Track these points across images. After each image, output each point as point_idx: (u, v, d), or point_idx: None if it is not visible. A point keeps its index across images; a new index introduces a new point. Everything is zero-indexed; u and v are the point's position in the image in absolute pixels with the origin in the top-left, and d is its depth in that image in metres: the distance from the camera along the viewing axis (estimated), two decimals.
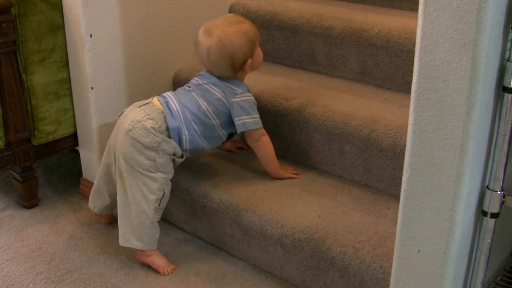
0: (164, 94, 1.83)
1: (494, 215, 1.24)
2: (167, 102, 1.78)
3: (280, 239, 1.63)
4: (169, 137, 1.74)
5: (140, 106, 1.77)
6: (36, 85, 1.97)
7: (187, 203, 1.86)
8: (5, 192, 2.21)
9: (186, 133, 1.75)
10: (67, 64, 2.03)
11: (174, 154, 1.75)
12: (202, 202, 1.80)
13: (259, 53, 1.84)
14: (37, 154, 2.05)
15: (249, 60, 1.79)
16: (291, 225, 1.62)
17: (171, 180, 1.77)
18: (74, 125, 2.11)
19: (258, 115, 1.81)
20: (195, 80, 1.86)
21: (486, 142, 1.20)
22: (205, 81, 1.83)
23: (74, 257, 1.83)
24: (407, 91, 1.87)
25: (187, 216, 1.89)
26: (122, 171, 1.73)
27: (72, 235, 1.94)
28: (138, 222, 1.73)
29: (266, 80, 2.09)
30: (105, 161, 1.84)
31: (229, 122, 1.81)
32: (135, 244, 1.74)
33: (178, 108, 1.76)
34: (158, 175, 1.72)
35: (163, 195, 1.74)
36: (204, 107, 1.78)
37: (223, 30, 1.76)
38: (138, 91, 2.12)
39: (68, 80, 2.05)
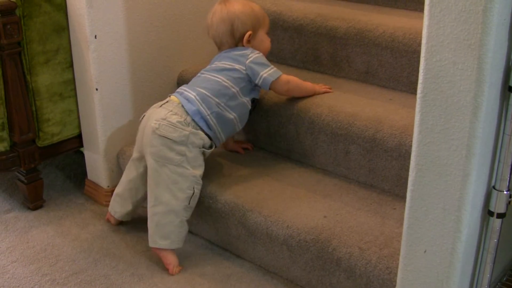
0: (178, 89, 1.84)
1: (500, 215, 1.24)
2: (181, 94, 1.80)
3: (285, 240, 1.63)
4: (196, 127, 1.74)
5: (160, 106, 1.78)
6: (41, 86, 1.97)
7: None
8: (10, 194, 2.21)
9: (208, 111, 1.76)
10: (71, 65, 2.03)
11: (203, 146, 1.76)
12: (207, 203, 1.80)
13: (263, 36, 1.91)
14: (41, 156, 2.06)
15: (249, 32, 1.84)
16: (296, 226, 1.62)
17: None
18: (79, 126, 2.11)
19: (272, 66, 1.85)
20: (207, 66, 1.90)
21: (492, 143, 1.19)
22: (215, 62, 1.87)
23: (80, 258, 1.83)
24: (412, 91, 1.87)
25: (192, 217, 1.88)
26: (152, 172, 1.74)
27: (77, 236, 1.94)
28: (166, 221, 1.73)
29: None
30: (132, 168, 1.86)
31: (249, 88, 1.84)
32: (160, 244, 1.74)
33: (194, 93, 1.78)
34: (189, 172, 1.72)
35: (193, 193, 1.74)
36: (219, 79, 1.80)
37: (230, 3, 1.86)
38: (143, 92, 2.12)
39: (72, 81, 2.05)
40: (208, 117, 1.76)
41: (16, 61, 1.90)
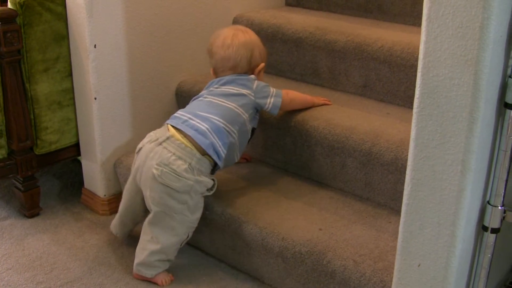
0: (177, 114, 1.75)
1: (494, 231, 1.25)
2: (187, 124, 1.70)
3: (281, 252, 1.63)
4: (200, 171, 1.68)
5: (160, 144, 1.68)
6: (40, 95, 1.98)
7: None
8: (7, 201, 2.21)
9: (220, 143, 1.69)
10: (71, 74, 2.04)
11: (206, 192, 1.72)
12: (204, 214, 1.80)
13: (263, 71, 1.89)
14: (39, 163, 2.06)
15: (263, 64, 1.85)
16: (292, 238, 1.62)
17: None
18: (77, 135, 2.12)
19: (273, 88, 1.83)
20: (205, 91, 1.83)
21: (488, 158, 1.20)
22: (215, 86, 1.81)
23: (75, 267, 1.83)
24: (409, 105, 1.88)
25: None
26: (151, 216, 1.71)
27: (73, 245, 1.94)
28: (156, 258, 1.72)
29: None
30: (129, 198, 1.83)
31: (254, 115, 1.81)
32: (145, 273, 1.74)
33: (205, 125, 1.69)
34: (188, 218, 1.70)
35: (187, 237, 1.74)
36: (230, 106, 1.74)
37: (249, 32, 1.87)
38: (141, 102, 2.13)
39: (71, 90, 2.05)
40: (219, 148, 1.70)
41: (15, 69, 1.91)
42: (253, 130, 1.84)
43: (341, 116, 1.86)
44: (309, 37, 2.12)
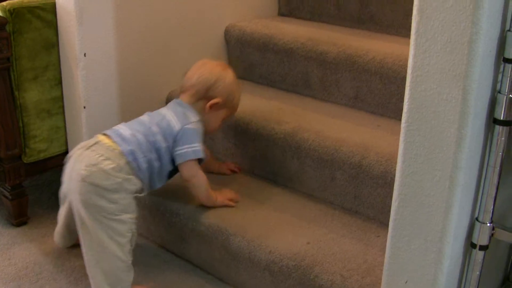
0: (114, 127, 1.75)
1: (483, 248, 1.23)
2: (116, 131, 1.71)
3: (268, 265, 1.61)
4: (129, 172, 1.65)
5: (89, 148, 1.66)
6: (29, 103, 1.96)
7: (176, 225, 1.85)
8: None
9: (141, 155, 1.67)
10: (60, 83, 2.02)
11: (136, 191, 1.68)
12: (191, 225, 1.79)
13: (221, 117, 1.83)
14: (27, 172, 2.04)
15: (218, 100, 1.78)
16: (279, 251, 1.60)
17: (163, 202, 1.74)
18: (66, 143, 2.10)
19: (200, 146, 1.74)
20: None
21: (476, 174, 1.19)
22: (164, 108, 1.80)
23: (61, 278, 1.81)
24: (400, 118, 1.85)
25: (176, 239, 1.87)
26: (84, 220, 1.62)
27: (60, 255, 1.92)
28: (112, 268, 1.64)
29: (259, 103, 2.09)
30: (64, 211, 1.77)
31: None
32: None
33: (129, 132, 1.69)
34: (125, 216, 1.64)
35: (132, 234, 1.67)
36: (154, 129, 1.71)
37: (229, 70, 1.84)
38: (131, 112, 2.11)
39: (61, 98, 2.04)
40: (140, 160, 1.67)
41: (4, 77, 1.89)
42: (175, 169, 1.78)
43: (331, 128, 1.85)
44: (300, 48, 2.11)
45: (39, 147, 2.02)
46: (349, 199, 1.78)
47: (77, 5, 1.85)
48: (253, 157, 2.00)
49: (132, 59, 2.07)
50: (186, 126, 1.72)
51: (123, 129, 1.72)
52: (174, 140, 1.71)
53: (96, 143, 1.68)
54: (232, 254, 1.70)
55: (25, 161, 2.02)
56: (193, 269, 1.85)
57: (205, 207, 1.80)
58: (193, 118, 1.75)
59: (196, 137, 1.74)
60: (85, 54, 1.92)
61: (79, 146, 1.71)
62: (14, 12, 1.85)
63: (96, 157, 1.63)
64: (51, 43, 1.96)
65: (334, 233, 1.68)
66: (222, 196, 1.82)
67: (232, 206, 1.81)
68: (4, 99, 1.90)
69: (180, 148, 1.71)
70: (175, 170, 1.78)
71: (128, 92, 2.08)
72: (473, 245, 1.24)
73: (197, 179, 1.75)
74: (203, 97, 1.79)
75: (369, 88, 1.97)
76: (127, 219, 1.64)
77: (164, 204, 1.86)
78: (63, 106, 2.05)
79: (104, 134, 1.71)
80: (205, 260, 1.81)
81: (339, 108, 2.04)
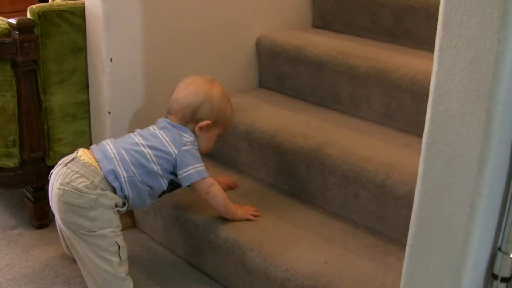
0: (103, 141, 1.71)
1: (505, 280, 1.16)
2: (101, 147, 1.67)
3: (283, 283, 1.56)
4: (105, 188, 1.60)
5: (66, 165, 1.63)
6: (54, 106, 1.96)
7: (195, 236, 1.81)
8: (18, 210, 2.20)
9: (125, 174, 1.62)
10: (87, 87, 2.01)
11: (116, 206, 1.63)
12: (208, 237, 1.75)
13: (215, 135, 1.78)
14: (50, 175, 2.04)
15: (208, 122, 1.72)
16: (295, 269, 1.55)
17: (182, 213, 1.70)
18: None
19: (202, 164, 1.70)
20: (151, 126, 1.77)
21: (500, 201, 1.12)
22: (155, 127, 1.75)
23: (76, 283, 1.80)
24: None
25: (193, 250, 1.84)
26: (70, 238, 1.63)
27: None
28: (104, 283, 1.64)
29: (287, 116, 2.05)
30: (57, 226, 1.75)
31: (171, 170, 1.68)
32: None
33: (114, 151, 1.64)
34: (106, 230, 1.61)
35: (119, 247, 1.63)
36: (145, 150, 1.66)
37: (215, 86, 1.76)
38: (156, 118, 2.08)
39: (86, 103, 2.03)
40: (122, 179, 1.61)
41: (31, 79, 1.90)
42: (173, 183, 1.73)
43: (358, 145, 1.80)
44: (331, 61, 2.06)
45: (63, 151, 2.02)
46: (372, 218, 1.72)
47: (104, 10, 1.84)
48: (277, 171, 1.95)
49: (158, 66, 2.05)
50: (183, 149, 1.68)
51: (110, 145, 1.67)
52: (174, 164, 1.67)
53: (73, 159, 1.65)
54: (248, 269, 1.66)
55: (48, 164, 2.01)
56: (209, 282, 1.82)
57: (224, 220, 1.76)
58: (188, 137, 1.71)
59: (196, 157, 1.70)
60: (111, 59, 1.91)
61: (60, 161, 1.68)
62: (43, 15, 1.85)
63: (71, 175, 1.60)
64: (79, 47, 1.96)
65: (353, 254, 1.62)
66: (243, 209, 1.78)
67: (253, 220, 1.77)
68: (30, 102, 1.91)
69: (183, 171, 1.67)
70: (173, 188, 1.75)
71: (153, 99, 2.06)
72: (495, 276, 1.17)
73: (210, 195, 1.71)
74: (190, 121, 1.73)
75: (399, 105, 1.91)
76: (108, 233, 1.61)
77: (184, 215, 1.83)
78: (88, 111, 2.04)
79: (88, 148, 1.68)
80: (221, 273, 1.77)
81: (367, 124, 1.98)
